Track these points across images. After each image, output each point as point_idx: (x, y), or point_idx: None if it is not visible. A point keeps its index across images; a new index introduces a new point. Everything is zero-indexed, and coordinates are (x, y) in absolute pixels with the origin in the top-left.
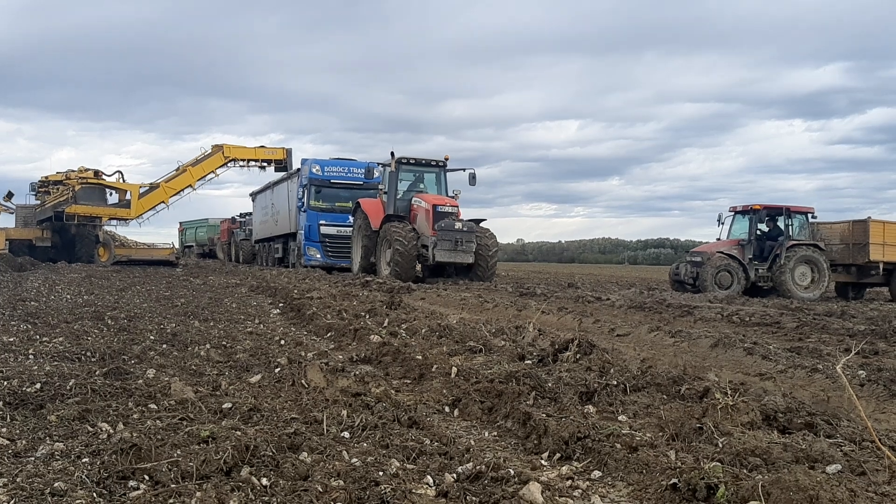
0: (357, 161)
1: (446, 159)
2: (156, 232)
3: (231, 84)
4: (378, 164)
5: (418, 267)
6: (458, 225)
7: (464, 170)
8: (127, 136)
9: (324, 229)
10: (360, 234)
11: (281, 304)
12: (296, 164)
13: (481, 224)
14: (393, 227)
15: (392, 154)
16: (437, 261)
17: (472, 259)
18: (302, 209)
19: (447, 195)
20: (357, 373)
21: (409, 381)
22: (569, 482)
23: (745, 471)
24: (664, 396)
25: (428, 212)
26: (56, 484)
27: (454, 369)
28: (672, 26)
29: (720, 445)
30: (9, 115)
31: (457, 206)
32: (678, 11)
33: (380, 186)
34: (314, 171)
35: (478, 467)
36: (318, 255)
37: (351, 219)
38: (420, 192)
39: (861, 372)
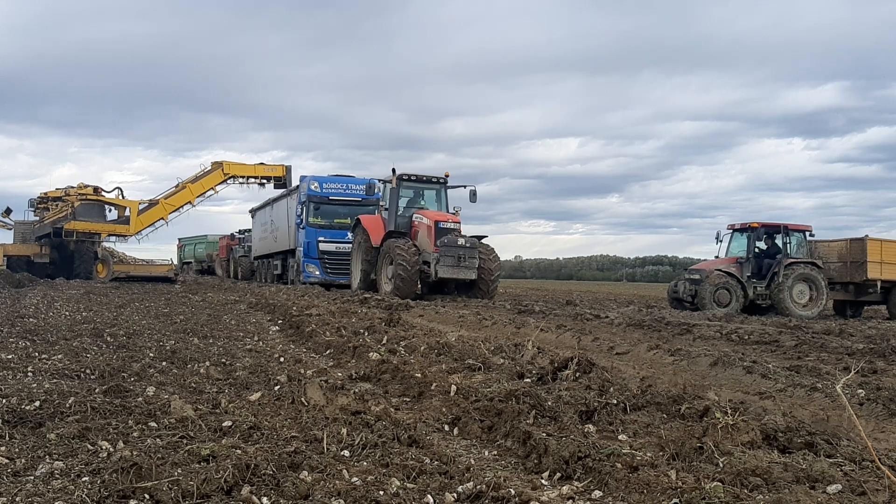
0: (355, 178)
1: (446, 176)
2: (155, 248)
3: (233, 101)
4: (378, 180)
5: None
6: (461, 241)
7: (464, 186)
8: (128, 152)
9: (322, 246)
10: (360, 250)
11: (280, 321)
12: (295, 181)
13: (482, 241)
14: (395, 243)
15: (393, 170)
16: (440, 276)
17: (475, 275)
18: (301, 226)
19: (448, 212)
20: (356, 391)
21: (408, 399)
22: (569, 502)
23: (745, 491)
24: (664, 415)
25: (430, 228)
26: (56, 503)
27: (453, 387)
28: (670, 45)
29: (721, 465)
30: (10, 132)
31: (459, 223)
32: (675, 31)
33: (381, 203)
34: (313, 187)
35: (478, 487)
36: (317, 272)
37: (350, 235)
38: (421, 208)
39: (860, 391)
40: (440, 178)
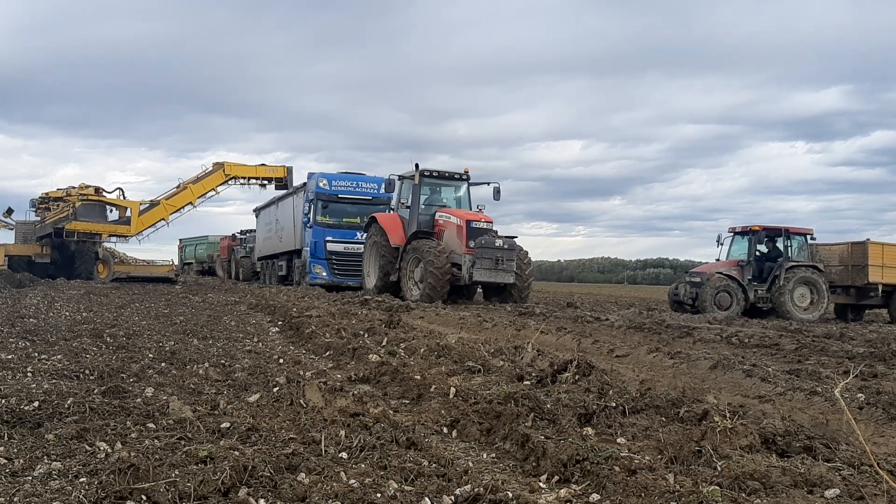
0: (366, 175)
1: (466, 172)
2: (156, 249)
3: (237, 102)
4: (398, 176)
5: None
6: (499, 242)
7: (488, 184)
8: (132, 152)
9: (330, 246)
10: (376, 250)
11: (280, 323)
12: (297, 182)
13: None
14: (425, 244)
15: (416, 166)
16: (475, 280)
17: (513, 279)
18: (308, 225)
19: (471, 210)
20: (355, 393)
21: (407, 402)
22: None
23: (743, 495)
24: (663, 419)
25: (460, 228)
26: None
27: (453, 390)
28: (673, 48)
29: (719, 469)
30: (14, 132)
31: (491, 222)
32: (679, 33)
33: (402, 201)
34: (321, 185)
35: (476, 489)
36: (324, 273)
37: (359, 235)
38: (442, 206)
39: (860, 395)
40: (462, 174)
